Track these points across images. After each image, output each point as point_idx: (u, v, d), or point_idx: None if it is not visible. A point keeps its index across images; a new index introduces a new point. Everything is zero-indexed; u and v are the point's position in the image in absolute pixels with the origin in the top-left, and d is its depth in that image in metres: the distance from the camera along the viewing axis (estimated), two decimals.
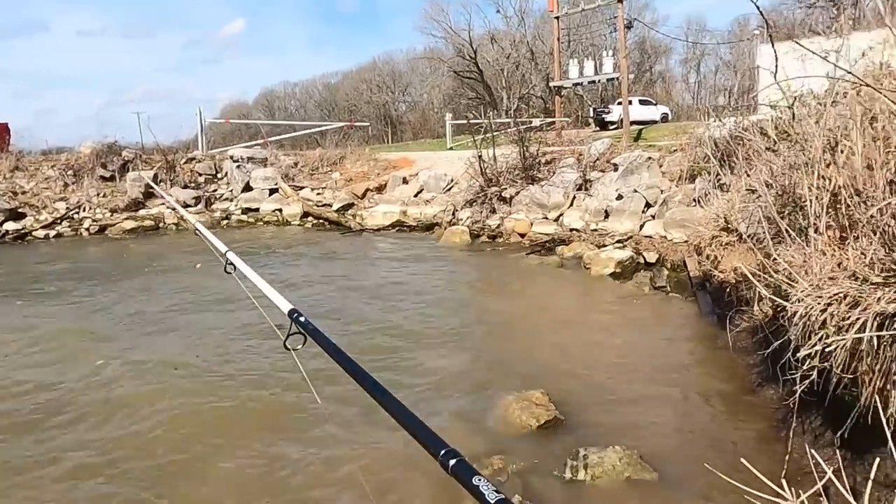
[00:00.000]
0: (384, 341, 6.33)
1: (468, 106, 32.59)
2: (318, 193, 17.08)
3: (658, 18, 40.89)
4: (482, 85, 37.33)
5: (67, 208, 15.93)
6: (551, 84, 23.63)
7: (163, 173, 17.52)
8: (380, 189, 16.88)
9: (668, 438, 4.24)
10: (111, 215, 16.03)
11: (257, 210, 16.77)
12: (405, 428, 1.08)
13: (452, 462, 0.94)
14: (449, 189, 15.16)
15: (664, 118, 27.15)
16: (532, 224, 11.98)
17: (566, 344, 6.19)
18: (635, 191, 11.20)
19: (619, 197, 11.36)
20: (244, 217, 16.66)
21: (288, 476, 3.91)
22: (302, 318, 1.69)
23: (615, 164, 12.31)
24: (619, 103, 20.08)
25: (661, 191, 11.10)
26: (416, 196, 15.53)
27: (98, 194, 16.53)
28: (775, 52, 6.73)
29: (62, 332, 6.97)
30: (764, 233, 4.07)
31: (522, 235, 11.84)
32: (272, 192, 17.14)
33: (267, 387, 5.17)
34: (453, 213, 13.57)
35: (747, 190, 5.75)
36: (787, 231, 3.75)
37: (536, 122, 19.62)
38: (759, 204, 4.67)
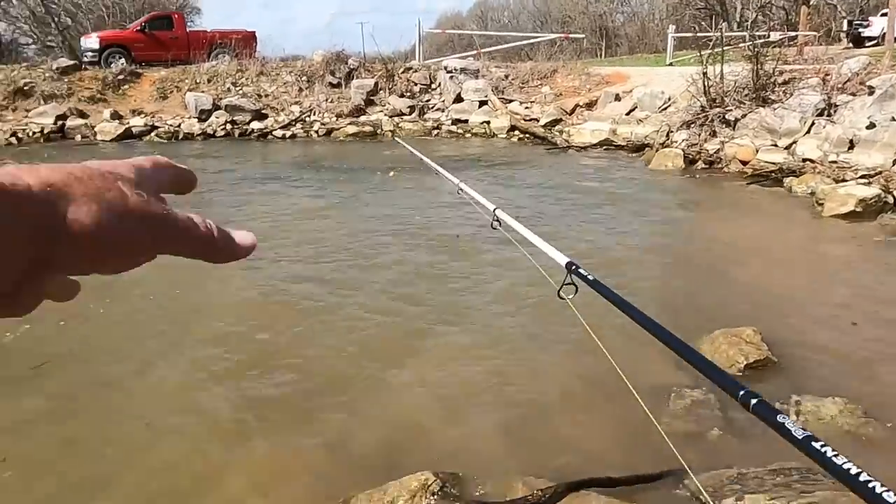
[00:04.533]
0: (586, 263, 6.30)
1: (695, 17, 29.71)
2: (527, 107, 16.97)
3: None
4: None
5: (301, 111, 17.56)
6: None
7: (382, 82, 18.48)
8: (590, 105, 16.33)
9: None
10: (336, 120, 17.40)
11: (466, 122, 17.13)
12: (703, 373, 1.10)
13: (753, 402, 0.95)
14: (665, 108, 14.21)
15: None
16: (757, 151, 10.87)
17: (787, 284, 5.69)
18: (893, 119, 9.62)
19: (871, 125, 9.83)
20: (453, 128, 17.14)
21: (573, 428, 3.73)
22: (581, 270, 1.74)
23: (870, 87, 10.59)
24: (884, 14, 17.01)
25: None
26: (627, 114, 14.80)
27: (326, 100, 17.97)
28: None
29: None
30: None
31: (745, 163, 10.82)
32: (481, 104, 17.35)
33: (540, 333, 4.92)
34: (667, 135, 12.74)
35: None
36: None
37: (775, 35, 17.39)
38: None
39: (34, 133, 15.68)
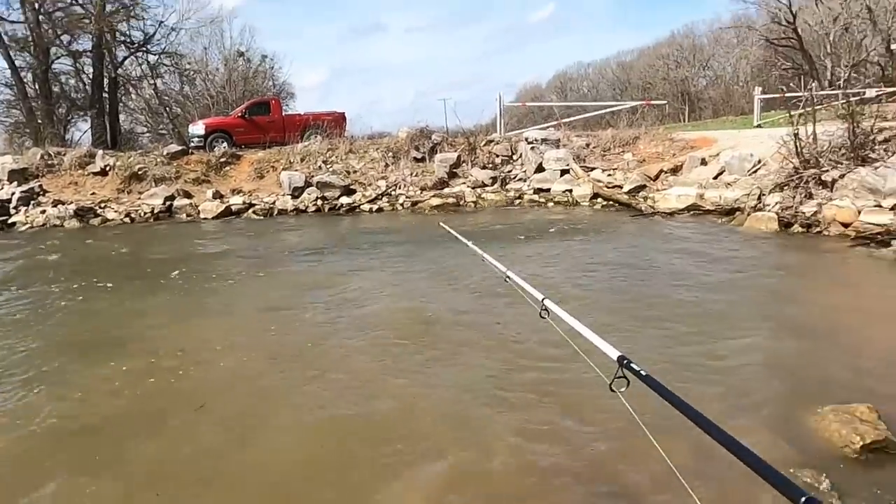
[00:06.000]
0: (673, 333, 6.05)
1: (782, 77, 29.05)
2: (609, 175, 16.90)
3: None
4: (801, 53, 32.89)
5: (387, 186, 18.21)
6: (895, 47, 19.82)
7: (465, 155, 18.98)
8: (674, 170, 16.09)
9: None
10: (421, 193, 17.91)
11: (548, 191, 17.22)
12: (760, 475, 1.04)
13: None
14: (755, 171, 13.78)
15: None
16: (860, 212, 10.30)
17: None
18: None
19: None
20: (535, 197, 17.25)
21: None
22: (634, 365, 1.73)
23: None
24: None
25: None
26: (715, 178, 14.46)
27: (411, 174, 18.58)
28: None
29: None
30: None
31: (846, 225, 10.26)
32: (563, 173, 17.43)
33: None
34: (759, 198, 12.30)
35: None
36: None
37: (871, 92, 16.72)
38: None
39: (145, 213, 17.00)
